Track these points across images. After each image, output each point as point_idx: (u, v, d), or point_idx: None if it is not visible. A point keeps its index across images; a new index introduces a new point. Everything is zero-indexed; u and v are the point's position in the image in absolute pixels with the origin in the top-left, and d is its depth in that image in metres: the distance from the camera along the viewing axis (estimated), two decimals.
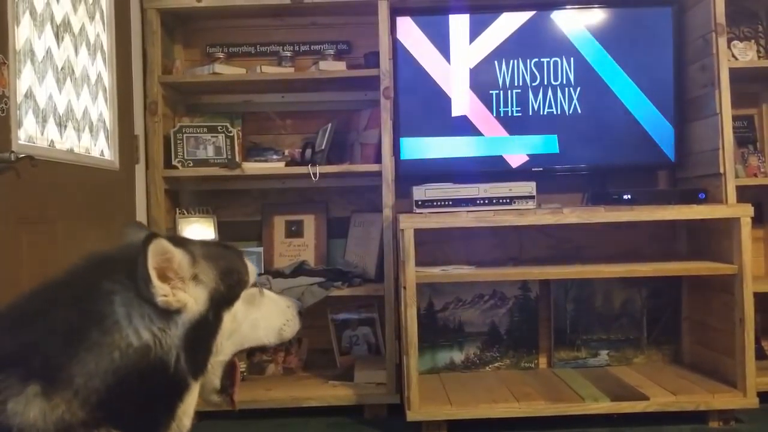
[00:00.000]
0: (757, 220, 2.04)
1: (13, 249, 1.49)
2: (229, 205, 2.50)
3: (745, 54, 2.30)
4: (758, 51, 2.34)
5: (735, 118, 2.23)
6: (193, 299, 0.82)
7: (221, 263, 0.88)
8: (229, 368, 0.94)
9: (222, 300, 0.87)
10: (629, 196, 2.13)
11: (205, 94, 2.50)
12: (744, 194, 2.13)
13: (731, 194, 2.11)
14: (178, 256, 0.82)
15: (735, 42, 2.31)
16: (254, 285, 0.95)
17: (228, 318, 0.88)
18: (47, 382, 0.73)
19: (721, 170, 2.12)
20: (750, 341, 1.96)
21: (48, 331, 0.77)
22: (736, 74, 2.15)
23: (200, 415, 2.12)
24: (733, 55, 2.27)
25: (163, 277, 0.81)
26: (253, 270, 0.95)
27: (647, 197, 2.14)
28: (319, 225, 2.48)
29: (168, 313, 0.80)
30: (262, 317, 0.95)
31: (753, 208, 1.99)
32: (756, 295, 2.01)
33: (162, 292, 0.79)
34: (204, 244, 0.93)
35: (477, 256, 2.36)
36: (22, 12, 1.58)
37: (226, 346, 0.90)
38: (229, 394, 0.96)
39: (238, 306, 0.90)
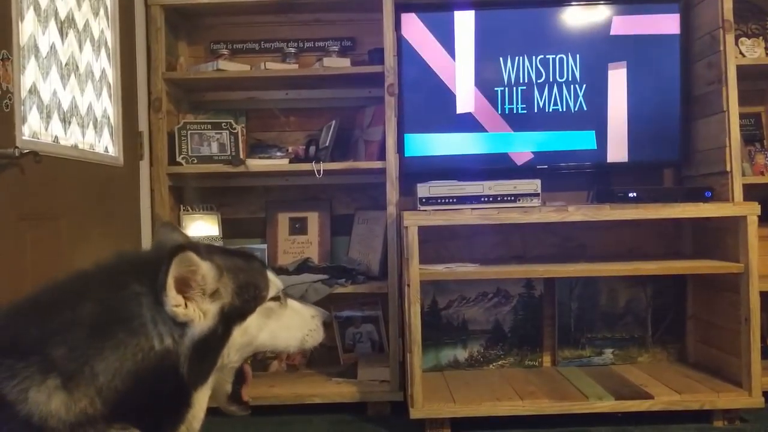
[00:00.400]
0: (763, 219, 2.02)
1: (17, 245, 1.49)
2: (233, 202, 2.50)
3: (753, 51, 2.28)
4: (766, 48, 2.32)
5: (742, 116, 2.21)
6: (202, 314, 0.82)
7: (240, 277, 0.88)
8: (240, 373, 0.94)
9: (234, 314, 0.86)
10: (635, 194, 2.12)
11: (209, 91, 2.50)
12: (750, 192, 2.12)
13: (738, 192, 2.10)
14: (204, 269, 0.83)
15: (743, 39, 2.29)
16: (276, 297, 0.93)
17: (238, 332, 0.88)
18: (67, 376, 0.74)
19: (728, 168, 2.11)
20: (756, 340, 1.94)
21: (74, 323, 0.77)
22: (743, 71, 2.13)
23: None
24: (741, 52, 2.25)
25: (185, 286, 0.81)
26: (275, 284, 0.94)
27: (653, 195, 2.12)
28: (322, 222, 2.47)
29: (182, 323, 0.81)
30: (282, 328, 0.94)
31: (759, 206, 1.97)
32: (762, 293, 1.99)
33: (174, 302, 0.79)
34: (229, 254, 0.92)
35: (481, 253, 2.35)
36: (26, 7, 1.58)
37: (236, 355, 0.90)
38: (240, 400, 0.96)
39: (252, 320, 0.89)
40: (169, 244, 0.89)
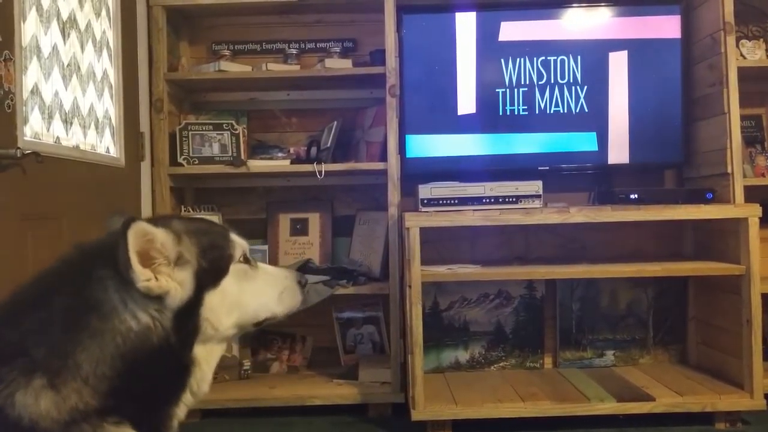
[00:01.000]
0: (764, 220, 2.02)
1: (19, 245, 1.48)
2: (234, 202, 2.49)
3: (754, 53, 2.28)
4: (767, 50, 2.32)
5: (743, 118, 2.21)
6: (177, 284, 0.82)
7: (203, 239, 0.87)
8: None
9: (206, 278, 0.85)
10: (636, 196, 2.12)
11: (210, 92, 2.50)
12: (751, 194, 2.12)
13: (739, 194, 2.10)
14: (161, 236, 0.81)
15: (743, 41, 2.29)
16: (245, 259, 0.93)
17: (215, 295, 0.86)
18: (53, 373, 0.74)
19: (729, 170, 2.11)
20: (757, 342, 1.94)
21: (48, 321, 0.77)
22: (744, 73, 2.14)
23: (202, 413, 2.12)
24: (741, 54, 2.26)
25: (148, 259, 0.80)
26: (240, 243, 0.93)
27: (654, 197, 2.12)
28: (324, 223, 2.47)
29: (159, 297, 0.80)
30: (258, 290, 0.93)
31: (761, 208, 1.97)
32: (763, 295, 1.99)
33: (143, 276, 0.78)
34: (187, 220, 0.92)
35: (483, 255, 2.35)
36: (28, 8, 1.58)
37: (231, 318, 0.88)
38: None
39: (228, 282, 0.88)
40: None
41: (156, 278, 0.80)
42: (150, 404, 0.80)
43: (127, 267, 0.78)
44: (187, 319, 0.83)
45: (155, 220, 0.84)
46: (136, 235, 0.78)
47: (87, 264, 0.81)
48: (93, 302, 0.78)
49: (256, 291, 0.93)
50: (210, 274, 0.86)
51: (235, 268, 0.90)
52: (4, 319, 0.79)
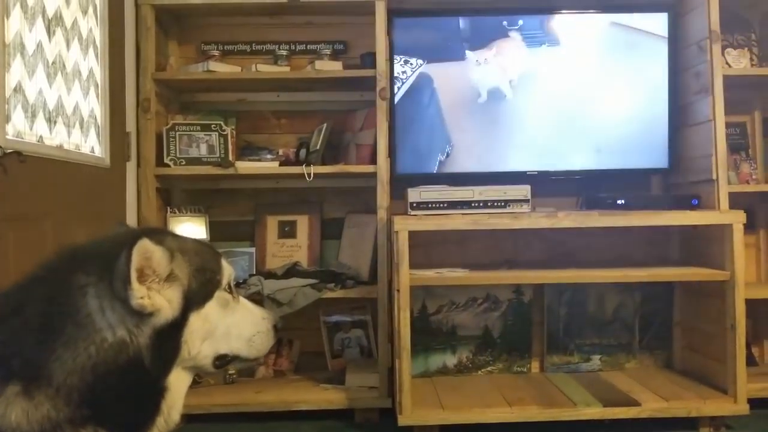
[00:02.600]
0: (749, 227, 2.05)
1: (0, 247, 1.45)
2: (222, 204, 2.47)
3: (739, 61, 2.31)
4: (751, 59, 2.36)
5: (728, 125, 2.24)
6: (167, 302, 0.81)
7: (195, 260, 0.86)
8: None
9: (193, 299, 0.84)
10: (623, 201, 2.13)
11: (199, 92, 2.48)
12: (736, 200, 2.15)
13: (724, 200, 2.12)
14: (158, 254, 0.80)
15: (729, 49, 2.32)
16: (229, 287, 0.92)
17: (198, 318, 0.85)
18: (28, 381, 0.72)
19: (714, 176, 2.13)
20: (741, 347, 1.96)
21: (24, 329, 0.76)
22: (729, 81, 2.16)
23: (188, 418, 2.09)
24: (727, 63, 2.29)
25: (141, 276, 0.79)
26: (228, 271, 0.92)
27: (641, 202, 2.14)
28: (312, 226, 2.46)
29: (140, 313, 0.78)
30: (235, 324, 0.92)
31: (745, 214, 2.00)
32: (747, 301, 2.01)
33: (139, 294, 0.77)
34: (180, 238, 0.90)
35: (471, 258, 2.35)
36: (12, 4, 1.55)
37: (203, 347, 0.87)
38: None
39: (211, 307, 0.87)
40: (117, 234, 0.88)
41: (149, 296, 0.79)
42: (124, 422, 0.78)
43: (126, 283, 0.77)
44: (168, 339, 0.81)
45: (149, 234, 0.83)
46: (139, 252, 0.77)
47: (68, 269, 0.80)
48: (69, 309, 0.76)
49: (231, 324, 0.91)
50: (198, 295, 0.85)
51: (219, 294, 0.89)
52: None
